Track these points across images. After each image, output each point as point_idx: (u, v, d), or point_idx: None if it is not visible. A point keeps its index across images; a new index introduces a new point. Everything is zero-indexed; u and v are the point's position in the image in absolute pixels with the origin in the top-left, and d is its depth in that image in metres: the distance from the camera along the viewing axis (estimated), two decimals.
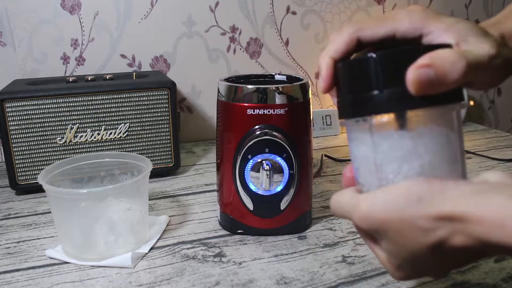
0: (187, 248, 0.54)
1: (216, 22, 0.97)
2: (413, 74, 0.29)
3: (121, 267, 0.50)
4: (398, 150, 0.32)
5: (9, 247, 0.55)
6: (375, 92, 0.32)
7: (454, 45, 0.32)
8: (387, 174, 0.33)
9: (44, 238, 0.57)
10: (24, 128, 0.68)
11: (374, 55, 0.31)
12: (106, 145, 0.73)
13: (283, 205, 0.56)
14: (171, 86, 0.74)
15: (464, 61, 0.30)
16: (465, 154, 0.34)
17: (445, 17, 0.34)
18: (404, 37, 0.34)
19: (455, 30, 0.33)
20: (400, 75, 0.30)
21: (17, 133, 0.68)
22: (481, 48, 0.32)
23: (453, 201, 0.27)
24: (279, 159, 0.53)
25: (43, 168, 0.56)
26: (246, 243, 0.55)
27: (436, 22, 0.33)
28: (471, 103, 1.22)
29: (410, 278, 0.34)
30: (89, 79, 0.78)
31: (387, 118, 0.32)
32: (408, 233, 0.29)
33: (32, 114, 0.68)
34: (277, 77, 0.61)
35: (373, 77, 0.31)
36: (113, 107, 0.72)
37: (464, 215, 0.27)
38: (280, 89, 0.52)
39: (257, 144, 0.53)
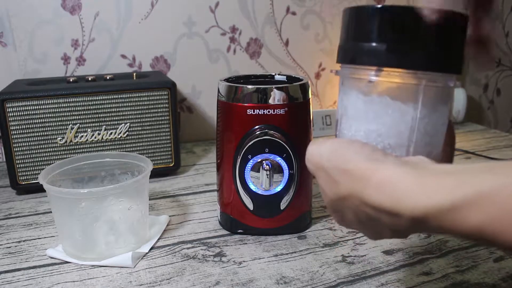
0: (187, 248, 0.54)
1: (216, 22, 0.97)
2: None
3: (122, 267, 0.50)
4: (352, 110, 0.34)
5: (10, 247, 0.55)
6: (351, 42, 0.33)
7: None
8: (342, 128, 0.36)
9: (45, 237, 0.57)
10: (25, 128, 0.68)
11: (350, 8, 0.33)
12: (107, 145, 0.73)
13: (283, 205, 0.56)
14: (171, 86, 0.74)
15: None
16: (430, 142, 0.34)
17: None
18: None
19: None
20: (373, 31, 0.32)
21: (18, 133, 0.68)
22: None
23: (358, 161, 0.30)
24: (279, 159, 0.54)
25: (43, 168, 0.56)
26: (246, 243, 0.56)
27: None
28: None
29: (342, 224, 0.37)
30: (90, 79, 0.78)
31: (349, 74, 0.34)
32: (325, 181, 0.33)
33: (33, 114, 0.68)
34: (277, 77, 0.61)
35: (351, 27, 0.34)
36: (114, 107, 0.72)
37: (357, 172, 0.30)
38: (280, 89, 0.53)
39: (257, 144, 0.53)
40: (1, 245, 0.56)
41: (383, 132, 0.33)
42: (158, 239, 0.56)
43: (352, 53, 0.34)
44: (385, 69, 0.32)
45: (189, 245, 0.55)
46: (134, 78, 0.82)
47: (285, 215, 0.56)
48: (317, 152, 0.34)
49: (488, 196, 0.23)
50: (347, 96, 0.35)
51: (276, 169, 0.54)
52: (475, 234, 0.24)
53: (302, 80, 0.56)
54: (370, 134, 0.33)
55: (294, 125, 0.54)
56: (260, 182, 0.54)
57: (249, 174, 0.54)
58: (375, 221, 0.30)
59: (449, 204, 0.25)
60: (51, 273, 0.49)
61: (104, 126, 0.72)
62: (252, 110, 0.53)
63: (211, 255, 0.53)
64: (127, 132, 0.74)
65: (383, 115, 0.33)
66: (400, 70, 0.32)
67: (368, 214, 0.30)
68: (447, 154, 0.37)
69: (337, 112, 0.37)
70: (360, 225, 0.33)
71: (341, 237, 0.57)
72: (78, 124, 0.71)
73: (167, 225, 0.60)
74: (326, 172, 0.33)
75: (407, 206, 0.26)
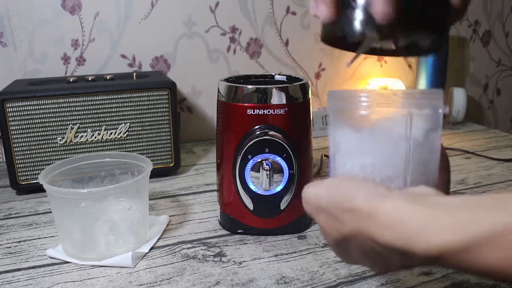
0: (187, 248, 0.54)
1: (216, 22, 0.97)
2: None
3: (122, 267, 0.50)
4: (345, 146, 0.34)
5: (10, 247, 0.55)
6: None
7: None
8: (336, 166, 0.35)
9: (45, 237, 0.57)
10: (25, 128, 0.68)
11: None
12: (107, 145, 0.73)
13: (283, 205, 0.56)
14: (171, 86, 0.74)
15: None
16: (426, 171, 0.34)
17: None
18: None
19: None
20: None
21: (18, 133, 0.68)
22: None
23: (362, 198, 0.29)
24: (279, 159, 0.54)
25: (43, 168, 0.56)
26: (246, 243, 0.56)
27: None
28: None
29: (347, 261, 0.37)
30: (90, 79, 0.78)
31: (339, 110, 0.34)
32: (327, 221, 0.32)
33: (33, 114, 0.68)
34: (277, 77, 0.61)
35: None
36: (114, 107, 0.72)
37: (363, 209, 0.29)
38: (280, 89, 0.53)
39: (257, 144, 0.53)
40: (1, 245, 0.56)
41: (378, 165, 0.33)
42: (158, 239, 0.56)
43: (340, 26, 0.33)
44: (372, 101, 0.32)
45: (189, 245, 0.55)
46: (134, 78, 0.82)
47: (285, 215, 0.56)
48: (314, 193, 0.33)
49: (503, 234, 0.23)
50: (339, 133, 0.35)
51: (276, 169, 0.54)
52: (494, 272, 0.24)
53: (302, 80, 0.56)
54: (365, 168, 0.33)
55: (294, 125, 0.54)
56: (260, 182, 0.54)
57: (249, 174, 0.54)
58: (384, 257, 0.30)
59: (465, 243, 0.24)
60: (51, 273, 0.49)
61: (104, 126, 0.72)
62: (252, 110, 0.53)
63: (211, 255, 0.53)
64: (127, 132, 0.74)
65: (376, 148, 0.33)
66: (387, 102, 0.32)
67: (377, 251, 0.29)
68: (443, 180, 0.37)
69: (329, 150, 0.37)
70: (367, 260, 0.32)
71: None
72: (78, 124, 0.71)
73: (167, 225, 0.60)
74: (327, 212, 0.32)
75: (420, 245, 0.26)
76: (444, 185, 0.37)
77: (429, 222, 0.26)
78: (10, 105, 0.67)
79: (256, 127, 0.53)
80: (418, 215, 0.26)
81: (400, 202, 0.28)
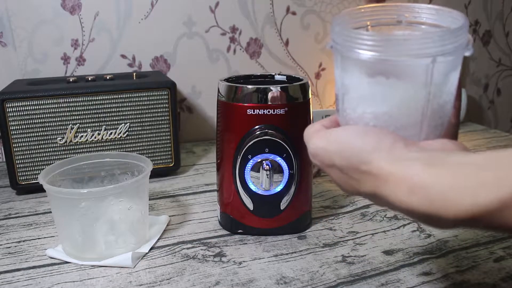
0: (187, 248, 0.54)
1: (216, 22, 0.97)
2: None
3: (121, 267, 0.50)
4: (355, 91, 0.32)
5: (9, 247, 0.55)
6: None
7: None
8: (345, 108, 0.33)
9: (45, 238, 0.57)
10: (25, 128, 0.68)
11: None
12: (107, 145, 0.73)
13: (283, 205, 0.56)
14: (171, 86, 0.74)
15: None
16: (442, 115, 0.32)
17: None
18: None
19: None
20: None
21: (18, 133, 0.68)
22: None
23: (380, 161, 0.28)
24: (279, 159, 0.54)
25: (43, 168, 0.56)
26: (246, 243, 0.56)
27: None
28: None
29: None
30: (90, 79, 0.78)
31: (348, 51, 0.31)
32: (341, 177, 0.32)
33: (33, 114, 0.68)
34: (277, 77, 0.61)
35: None
36: (114, 107, 0.72)
37: (382, 175, 0.28)
38: (280, 89, 0.53)
39: (257, 144, 0.53)
40: (1, 245, 0.56)
41: (393, 114, 0.31)
42: (158, 239, 0.56)
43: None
44: (386, 42, 0.29)
45: (189, 245, 0.55)
46: (134, 78, 0.82)
47: (285, 215, 0.56)
48: (322, 148, 0.32)
49: None
50: (348, 75, 0.32)
51: (276, 169, 0.54)
52: None
53: (302, 80, 0.56)
54: (379, 116, 0.31)
55: (294, 125, 0.54)
56: (260, 182, 0.54)
57: (249, 174, 0.54)
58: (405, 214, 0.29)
59: (497, 202, 0.23)
60: (51, 273, 0.49)
61: (104, 126, 0.72)
62: (252, 110, 0.53)
63: (211, 255, 0.53)
64: (127, 132, 0.74)
65: (392, 96, 0.30)
66: (405, 45, 0.29)
67: (399, 211, 0.29)
68: (456, 110, 0.35)
69: (336, 88, 0.34)
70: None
71: (341, 237, 0.57)
72: (78, 124, 0.71)
73: (167, 225, 0.60)
74: (339, 169, 0.31)
75: (449, 209, 0.25)
76: (456, 114, 0.35)
77: (456, 184, 0.25)
78: (10, 105, 0.67)
79: (256, 127, 0.53)
80: (443, 178, 0.25)
81: (420, 167, 0.26)
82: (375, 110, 0.31)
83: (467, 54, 0.30)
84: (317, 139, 0.33)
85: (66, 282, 0.48)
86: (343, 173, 0.31)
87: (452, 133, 0.35)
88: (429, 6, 0.33)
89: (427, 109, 0.31)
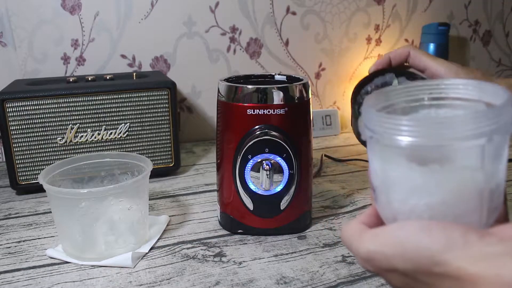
0: (187, 248, 0.54)
1: (216, 22, 0.97)
2: None
3: (121, 267, 0.50)
4: (405, 182, 0.29)
5: (9, 247, 0.55)
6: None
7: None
8: (392, 201, 0.30)
9: (45, 238, 0.57)
10: (25, 128, 0.68)
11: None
12: (107, 145, 0.73)
13: (283, 205, 0.56)
14: (171, 86, 0.74)
15: None
16: (499, 195, 0.29)
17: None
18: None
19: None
20: None
21: (18, 133, 0.68)
22: None
23: (458, 260, 0.25)
24: (279, 159, 0.54)
25: (43, 168, 0.56)
26: (246, 243, 0.56)
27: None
28: None
29: None
30: (90, 79, 0.78)
31: (391, 141, 0.27)
32: (404, 282, 0.28)
33: (33, 114, 0.68)
34: (277, 77, 0.61)
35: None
36: (114, 107, 0.72)
37: (466, 276, 0.24)
38: (280, 89, 0.53)
39: (257, 144, 0.53)
40: (1, 245, 0.56)
41: (450, 201, 0.28)
42: (158, 239, 0.56)
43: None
44: (432, 129, 0.26)
45: (189, 245, 0.55)
46: (134, 78, 0.82)
47: (285, 215, 0.56)
48: (379, 252, 0.28)
49: None
50: (394, 166, 0.29)
51: (276, 169, 0.54)
52: None
53: (302, 80, 0.56)
54: (435, 206, 0.28)
55: (294, 125, 0.54)
56: (260, 182, 0.54)
57: (249, 174, 0.54)
58: None
59: None
60: (51, 273, 0.49)
61: (104, 126, 0.72)
62: (252, 110, 0.53)
63: (211, 255, 0.53)
64: (127, 132, 0.74)
65: (448, 183, 0.28)
66: (450, 128, 0.26)
67: None
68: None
69: (375, 179, 0.31)
70: None
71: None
72: (78, 124, 0.71)
73: (167, 225, 0.60)
74: (404, 274, 0.27)
75: None
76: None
77: None
78: (10, 105, 0.67)
79: (256, 127, 0.53)
80: None
81: (509, 263, 0.23)
82: (430, 201, 0.28)
83: None
84: (367, 242, 0.29)
85: (66, 282, 0.48)
86: (409, 277, 0.27)
87: (504, 213, 0.32)
88: (469, 81, 0.30)
89: (485, 191, 0.28)
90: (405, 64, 0.53)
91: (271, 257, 0.52)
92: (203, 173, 0.80)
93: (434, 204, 0.28)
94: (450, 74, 0.49)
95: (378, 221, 0.33)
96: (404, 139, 0.27)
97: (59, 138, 0.70)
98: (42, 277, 0.49)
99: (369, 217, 0.33)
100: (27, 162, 0.70)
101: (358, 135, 0.50)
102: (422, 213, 0.28)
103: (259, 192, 0.55)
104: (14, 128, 0.68)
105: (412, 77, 0.52)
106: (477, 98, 0.30)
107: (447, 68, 0.50)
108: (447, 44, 1.03)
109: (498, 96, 0.28)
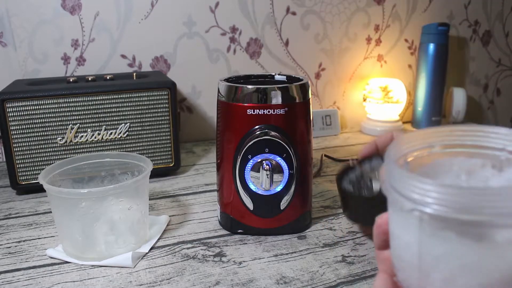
0: (187, 248, 0.54)
1: (216, 22, 0.97)
2: None
3: (122, 267, 0.50)
4: (456, 260, 0.25)
5: (10, 247, 0.55)
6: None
7: None
8: (432, 282, 0.26)
9: (45, 237, 0.57)
10: (25, 128, 0.68)
11: None
12: (107, 145, 0.73)
13: (283, 205, 0.56)
14: (171, 86, 0.74)
15: None
16: None
17: None
18: None
19: None
20: None
21: (18, 133, 0.68)
22: None
23: None
24: (279, 159, 0.54)
25: (43, 168, 0.56)
26: (246, 243, 0.56)
27: None
28: None
29: None
30: (90, 79, 0.78)
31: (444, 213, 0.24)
32: None
33: (33, 114, 0.68)
34: (277, 77, 0.61)
35: None
36: (114, 107, 0.72)
37: None
38: (280, 89, 0.53)
39: (257, 144, 0.53)
40: (1, 245, 0.56)
41: (507, 280, 0.25)
42: (158, 239, 0.56)
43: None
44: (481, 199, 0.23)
45: (189, 245, 0.55)
46: (134, 78, 0.82)
47: (285, 215, 0.56)
48: None
49: None
50: (440, 241, 0.25)
51: (276, 169, 0.54)
52: None
53: (302, 80, 0.56)
54: (490, 287, 0.25)
55: (294, 125, 0.54)
56: (260, 182, 0.54)
57: (249, 174, 0.54)
58: None
59: None
60: (51, 273, 0.49)
61: (104, 126, 0.72)
62: (252, 110, 0.53)
63: (211, 255, 0.53)
64: (127, 132, 0.74)
65: (505, 260, 0.24)
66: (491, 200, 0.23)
67: None
68: None
69: (405, 254, 0.27)
70: None
71: (341, 237, 0.57)
72: (78, 124, 0.71)
73: (167, 225, 0.60)
74: None
75: None
76: None
77: None
78: (10, 105, 0.67)
79: (256, 127, 0.53)
80: None
81: None
82: (485, 281, 0.25)
83: None
84: None
85: (66, 282, 0.48)
86: None
87: None
88: (495, 128, 0.29)
89: None
90: None
91: (271, 257, 0.52)
92: (203, 173, 0.80)
93: (491, 285, 0.25)
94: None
95: None
96: (466, 217, 0.23)
97: (59, 138, 0.70)
98: (42, 277, 0.49)
99: (381, 238, 0.31)
100: (27, 162, 0.70)
101: (350, 216, 0.58)
102: None
103: (259, 192, 0.55)
104: (14, 128, 0.68)
105: None
106: (501, 146, 0.28)
107: None
108: (447, 44, 1.03)
109: None
